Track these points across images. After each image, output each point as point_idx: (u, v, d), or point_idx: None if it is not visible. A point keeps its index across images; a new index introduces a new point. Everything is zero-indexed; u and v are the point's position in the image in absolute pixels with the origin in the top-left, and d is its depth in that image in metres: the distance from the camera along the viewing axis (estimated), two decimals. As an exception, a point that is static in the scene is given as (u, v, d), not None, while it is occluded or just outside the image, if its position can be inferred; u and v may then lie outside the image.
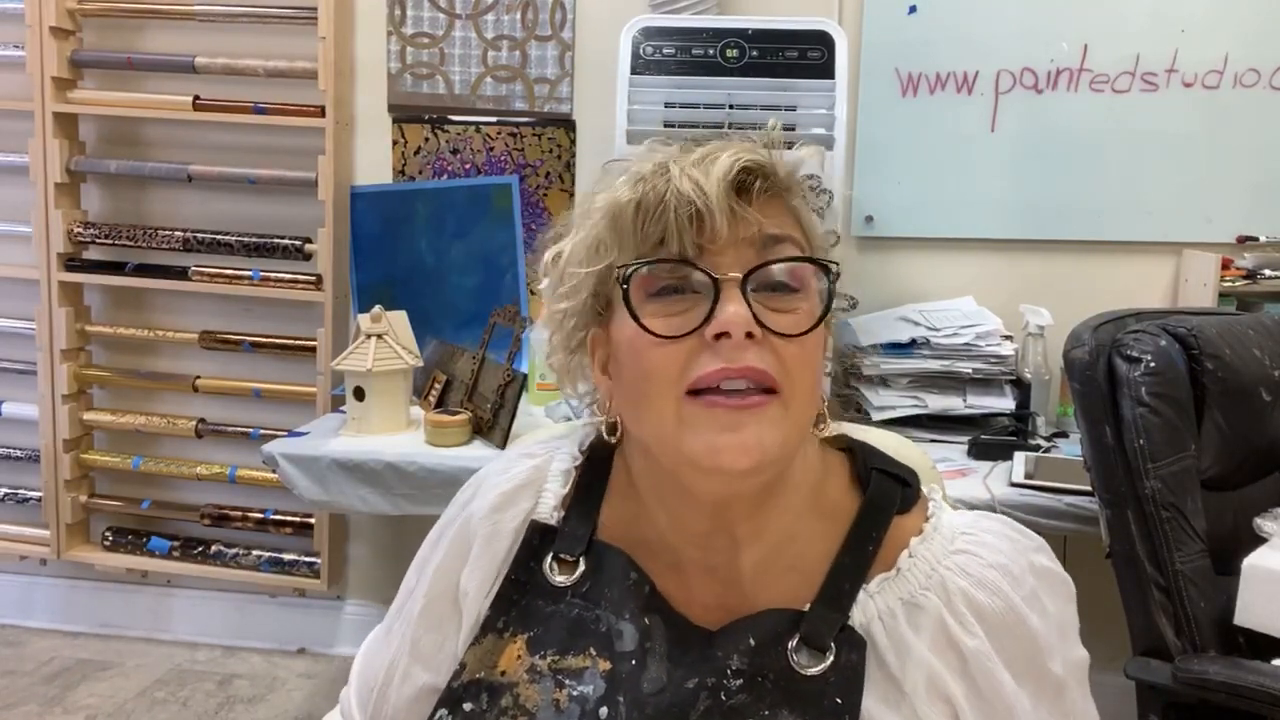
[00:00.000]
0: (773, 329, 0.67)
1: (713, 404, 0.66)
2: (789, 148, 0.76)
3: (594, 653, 0.71)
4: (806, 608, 0.70)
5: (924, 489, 0.78)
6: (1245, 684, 1.38)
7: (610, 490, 0.79)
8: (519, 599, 0.75)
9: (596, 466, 0.80)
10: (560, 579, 0.75)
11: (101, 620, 2.84)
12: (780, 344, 0.68)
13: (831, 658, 0.68)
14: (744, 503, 0.71)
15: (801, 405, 0.69)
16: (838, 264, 0.72)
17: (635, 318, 0.69)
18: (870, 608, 0.70)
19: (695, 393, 0.67)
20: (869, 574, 0.71)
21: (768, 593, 0.72)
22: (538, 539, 0.77)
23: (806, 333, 0.69)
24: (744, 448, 0.66)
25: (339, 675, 2.63)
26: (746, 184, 0.69)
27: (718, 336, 0.66)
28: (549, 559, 0.76)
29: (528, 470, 0.81)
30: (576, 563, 0.75)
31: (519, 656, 0.72)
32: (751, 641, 0.69)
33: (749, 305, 0.67)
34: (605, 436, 0.79)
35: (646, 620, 0.72)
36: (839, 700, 0.66)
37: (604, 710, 0.69)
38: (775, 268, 0.69)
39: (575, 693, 0.70)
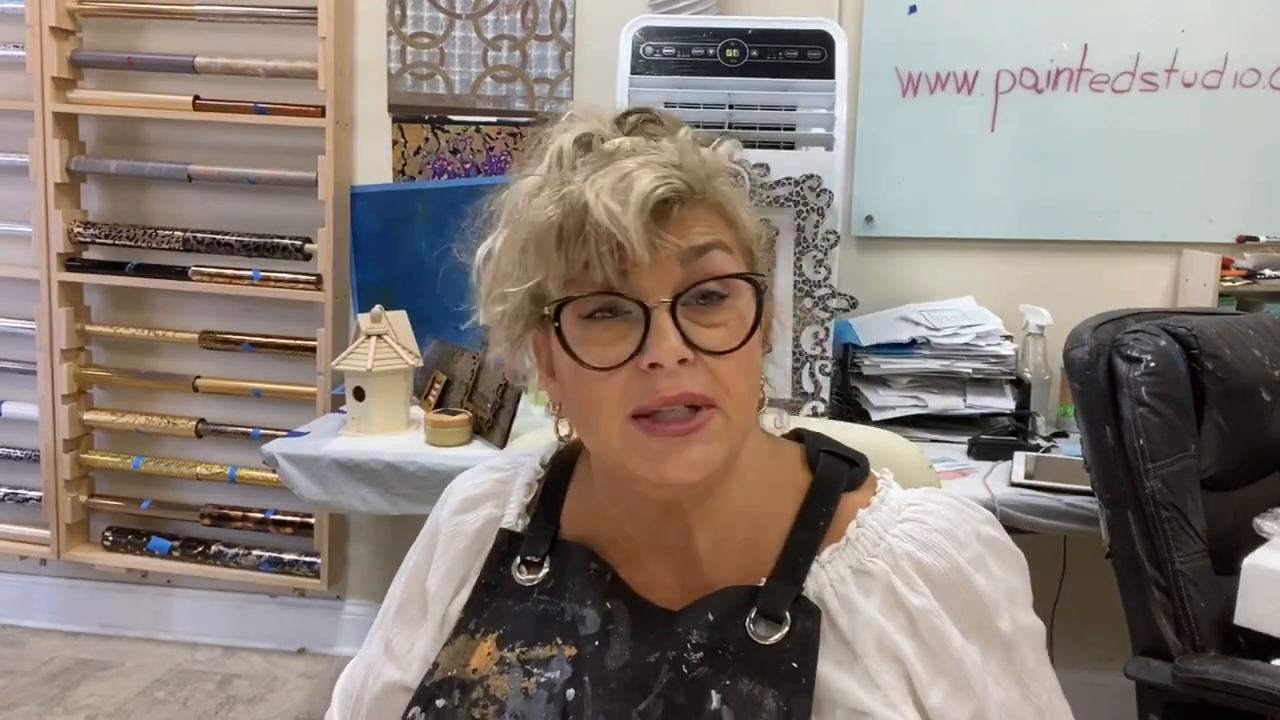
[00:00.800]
0: (704, 348, 0.68)
1: (654, 430, 0.68)
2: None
3: (559, 641, 0.74)
4: (762, 583, 0.73)
5: (875, 471, 0.81)
6: (1245, 684, 1.38)
7: (571, 491, 0.83)
8: (489, 601, 0.78)
9: (559, 473, 0.84)
10: (527, 579, 0.78)
11: (101, 620, 2.84)
12: (713, 359, 0.68)
13: (787, 627, 0.70)
14: (692, 494, 0.73)
15: (741, 409, 0.71)
16: (763, 276, 0.73)
17: (570, 353, 0.70)
18: (822, 577, 0.73)
19: (638, 416, 0.69)
20: (820, 547, 0.74)
21: (724, 571, 0.74)
22: (506, 545, 0.80)
23: (738, 347, 0.69)
24: (690, 465, 0.68)
25: (339, 675, 2.63)
26: (665, 209, 0.68)
27: (652, 365, 0.67)
28: (516, 562, 0.79)
29: (491, 482, 0.85)
30: (542, 563, 0.78)
31: (489, 653, 0.75)
32: (710, 617, 0.72)
33: (679, 328, 0.67)
34: (559, 437, 0.82)
35: (609, 605, 0.75)
36: (795, 665, 0.69)
37: (570, 692, 0.72)
38: (704, 284, 0.69)
39: (543, 679, 0.72)
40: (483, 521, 0.82)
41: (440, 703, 0.74)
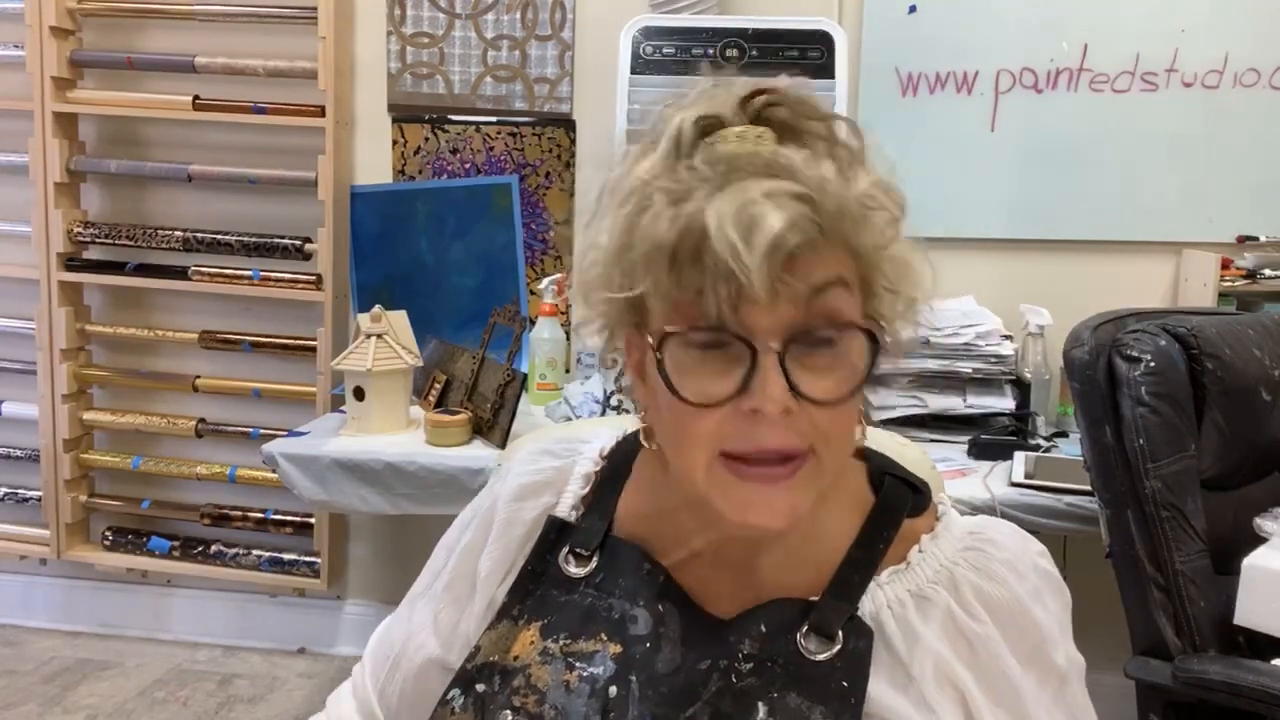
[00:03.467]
0: (810, 396, 0.64)
1: (744, 474, 0.66)
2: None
3: (605, 637, 0.73)
4: (816, 598, 0.72)
5: (935, 497, 0.80)
6: (1245, 683, 1.39)
7: (628, 488, 0.81)
8: (535, 588, 0.77)
9: (616, 467, 0.82)
10: (575, 571, 0.77)
11: (101, 620, 2.84)
12: (816, 408, 0.65)
13: (839, 645, 0.69)
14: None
15: (836, 457, 0.69)
16: (882, 327, 0.69)
17: (671, 388, 0.66)
18: (880, 597, 0.72)
19: (728, 455, 0.66)
20: (879, 568, 0.73)
21: (780, 584, 0.73)
22: (555, 533, 0.79)
23: (845, 399, 0.66)
24: (776, 514, 0.66)
25: (339, 675, 2.62)
26: (793, 251, 0.62)
27: (754, 411, 0.64)
28: (565, 552, 0.78)
29: (550, 470, 0.84)
30: (591, 557, 0.77)
31: (532, 642, 0.75)
32: (763, 628, 0.71)
33: (786, 376, 0.63)
34: (643, 442, 0.77)
35: (660, 607, 0.74)
36: (845, 684, 0.68)
37: (613, 689, 0.71)
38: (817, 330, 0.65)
39: (585, 674, 0.72)
40: (540, 510, 0.81)
41: (480, 687, 0.74)
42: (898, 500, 0.77)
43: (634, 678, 0.71)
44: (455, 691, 0.74)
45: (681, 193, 0.64)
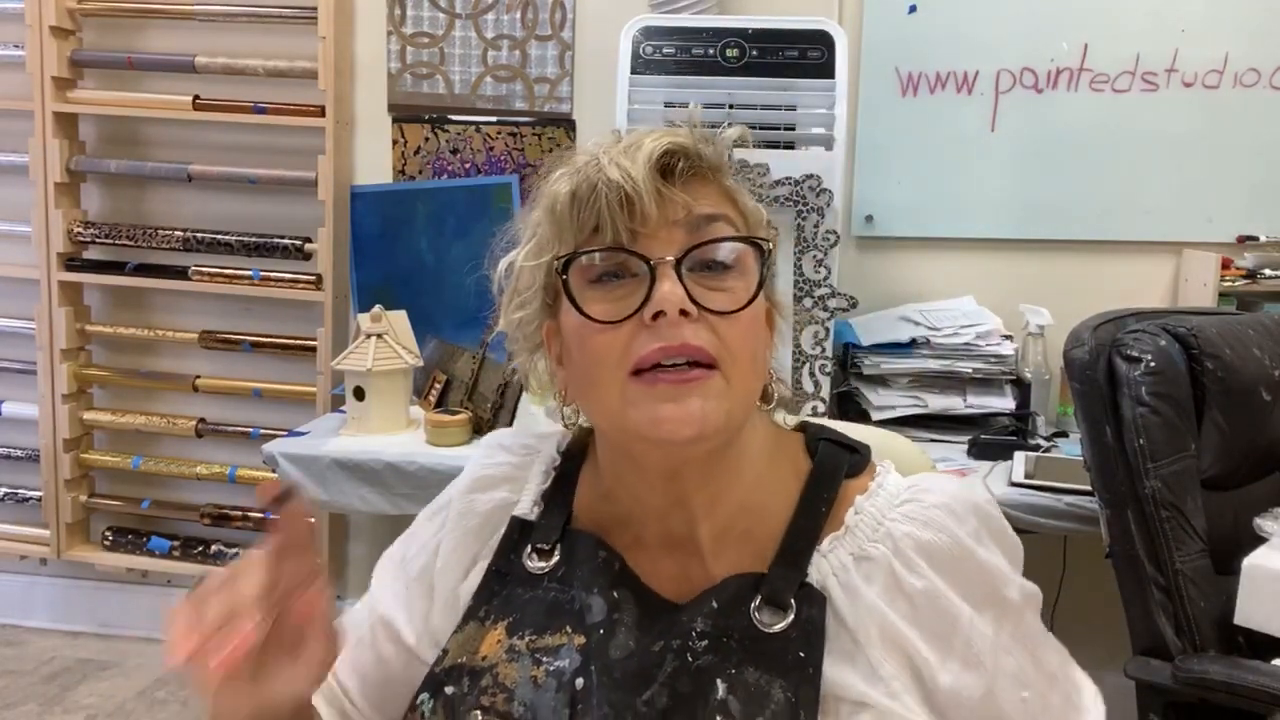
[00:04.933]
0: (708, 307, 0.70)
1: (654, 380, 0.69)
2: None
3: (569, 630, 0.74)
4: (766, 571, 0.73)
5: (876, 460, 0.81)
6: (1245, 683, 1.39)
7: (582, 480, 0.83)
8: (500, 589, 0.79)
9: (571, 462, 0.84)
10: (537, 566, 0.78)
11: (101, 620, 2.84)
12: (718, 322, 0.70)
13: (792, 615, 0.71)
14: (695, 474, 0.74)
15: (743, 379, 0.72)
16: (768, 240, 0.75)
17: (575, 305, 0.72)
18: (824, 566, 0.73)
19: (639, 372, 0.70)
20: (821, 535, 0.74)
21: (729, 563, 0.75)
22: (517, 533, 0.81)
23: (742, 309, 0.71)
24: (686, 418, 0.69)
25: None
26: (671, 166, 0.72)
27: (655, 317, 0.69)
28: (528, 550, 0.79)
29: (507, 467, 0.86)
30: (552, 551, 0.79)
31: (499, 641, 0.75)
32: (714, 604, 0.72)
33: (684, 285, 0.69)
34: (564, 423, 0.83)
35: (615, 594, 0.75)
36: (802, 654, 0.69)
37: (580, 681, 0.72)
38: (709, 247, 0.72)
39: (552, 668, 0.73)
40: (494, 504, 0.83)
41: (450, 690, 0.74)
42: (833, 462, 0.78)
43: (593, 666, 0.72)
44: (424, 695, 0.75)
45: (579, 163, 0.74)
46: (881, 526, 0.73)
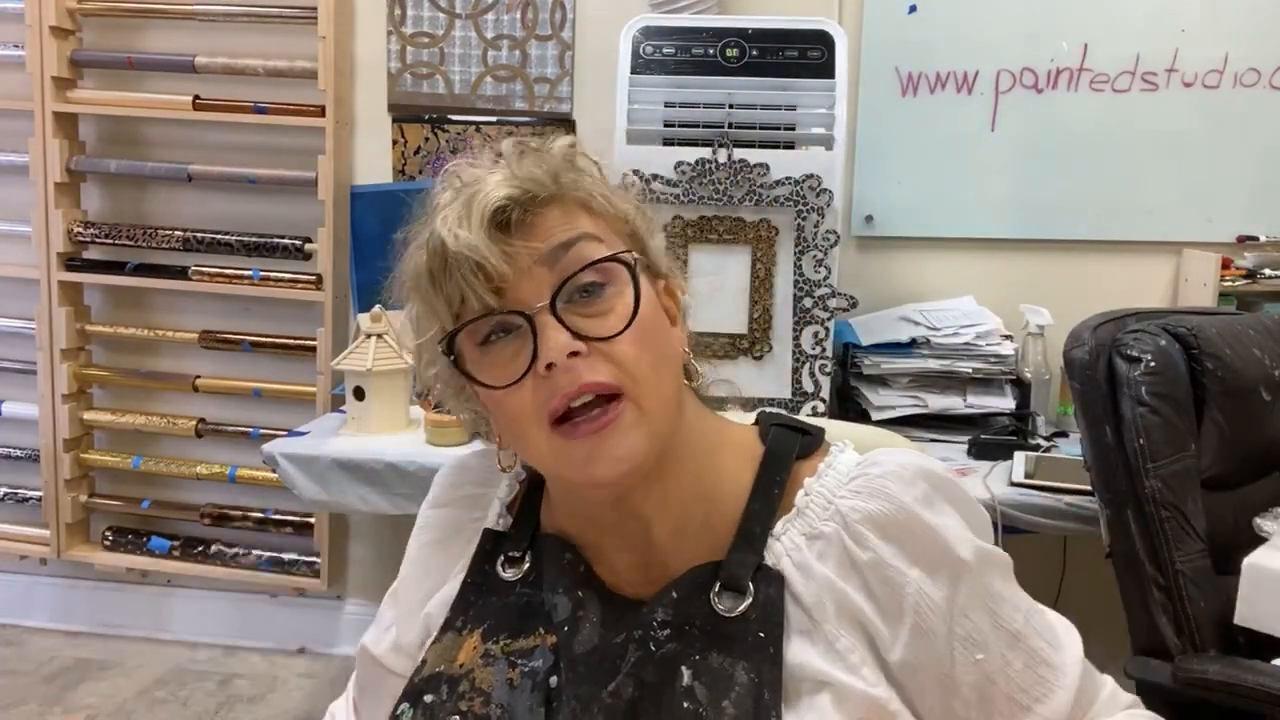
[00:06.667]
0: (593, 336, 0.69)
1: (571, 433, 0.69)
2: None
3: (542, 631, 0.76)
4: (723, 557, 0.74)
5: (832, 441, 0.81)
6: (1245, 683, 1.38)
7: (547, 487, 0.84)
8: (475, 599, 0.80)
9: (537, 472, 0.85)
10: (510, 574, 0.80)
11: (101, 620, 2.84)
12: (610, 346, 0.70)
13: (751, 597, 0.72)
14: (639, 489, 0.74)
15: (652, 395, 0.71)
16: (630, 251, 0.74)
17: (473, 379, 0.73)
18: (778, 548, 0.74)
19: (557, 422, 0.70)
20: (774, 519, 0.75)
21: (687, 557, 0.75)
22: (490, 545, 0.82)
23: (626, 327, 0.70)
24: (613, 461, 0.69)
25: (339, 675, 2.63)
26: (509, 219, 0.70)
27: (548, 367, 0.69)
28: (500, 560, 0.81)
29: (468, 485, 0.88)
30: (523, 558, 0.80)
31: (475, 648, 0.77)
32: (674, 595, 0.73)
33: (564, 326, 0.69)
34: (500, 466, 0.82)
35: (580, 593, 0.76)
36: (762, 634, 0.70)
37: (554, 679, 0.73)
38: (575, 277, 0.71)
39: (527, 669, 0.74)
40: (459, 518, 0.86)
41: (429, 698, 0.75)
42: (784, 446, 0.79)
43: (562, 663, 0.73)
44: (404, 706, 0.76)
45: (428, 229, 0.74)
46: (832, 505, 0.74)
